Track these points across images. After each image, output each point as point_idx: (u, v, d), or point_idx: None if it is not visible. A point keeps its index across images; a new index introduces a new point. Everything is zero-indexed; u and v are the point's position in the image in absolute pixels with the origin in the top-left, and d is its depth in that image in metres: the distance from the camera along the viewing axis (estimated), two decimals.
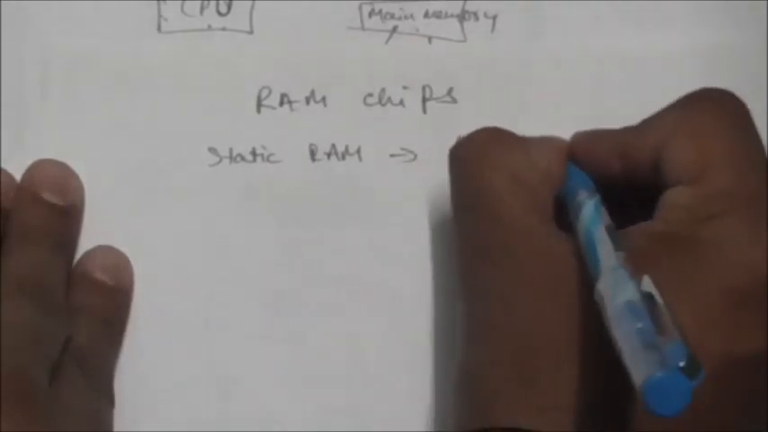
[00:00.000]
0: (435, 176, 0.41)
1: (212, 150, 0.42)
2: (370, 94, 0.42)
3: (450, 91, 0.43)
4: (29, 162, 0.40)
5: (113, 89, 0.42)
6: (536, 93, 0.43)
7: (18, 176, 0.40)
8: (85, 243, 0.40)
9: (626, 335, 0.29)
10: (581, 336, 0.32)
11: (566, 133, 0.42)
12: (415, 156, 0.42)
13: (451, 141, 0.42)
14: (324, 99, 0.42)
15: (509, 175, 0.36)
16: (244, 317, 0.41)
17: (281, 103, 0.42)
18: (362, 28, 0.43)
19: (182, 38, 0.42)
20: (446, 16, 0.43)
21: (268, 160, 0.42)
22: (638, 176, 0.36)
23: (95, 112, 0.42)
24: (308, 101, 0.42)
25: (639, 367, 0.28)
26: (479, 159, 0.37)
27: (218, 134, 0.42)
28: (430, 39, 0.43)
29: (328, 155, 0.42)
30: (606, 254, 0.32)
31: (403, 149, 0.42)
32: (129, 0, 0.42)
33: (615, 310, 0.30)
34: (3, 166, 0.40)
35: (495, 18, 0.43)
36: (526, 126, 0.42)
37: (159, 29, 0.43)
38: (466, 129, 0.42)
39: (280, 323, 0.41)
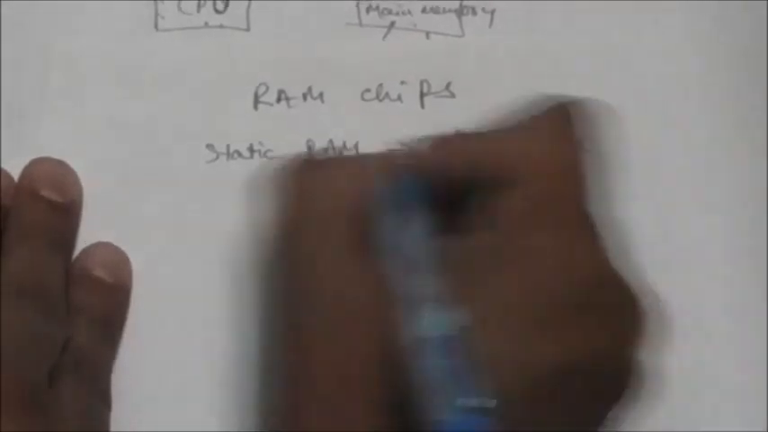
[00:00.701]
0: None
1: (210, 147, 0.42)
2: (368, 90, 0.42)
3: (448, 86, 0.42)
4: (28, 160, 0.40)
5: (111, 87, 0.42)
6: (534, 87, 0.42)
7: (17, 175, 0.40)
8: (84, 241, 0.40)
9: (425, 369, 0.27)
10: (392, 364, 0.31)
11: None
12: None
13: None
14: (321, 95, 0.42)
15: (314, 205, 0.34)
16: (243, 315, 0.40)
17: (279, 100, 0.42)
18: (360, 24, 0.43)
19: (179, 36, 0.43)
20: (444, 11, 0.43)
21: (265, 157, 0.42)
22: (475, 185, 0.34)
23: (93, 110, 0.42)
24: (305, 97, 0.42)
25: (434, 406, 0.27)
26: (289, 190, 0.35)
27: (216, 131, 0.42)
28: (428, 34, 0.43)
29: (326, 151, 0.42)
30: (418, 280, 0.31)
31: (401, 145, 0.42)
32: None
33: (416, 343, 0.28)
34: (3, 165, 0.40)
35: (492, 13, 0.43)
36: None
37: (156, 27, 0.43)
38: (464, 123, 0.41)
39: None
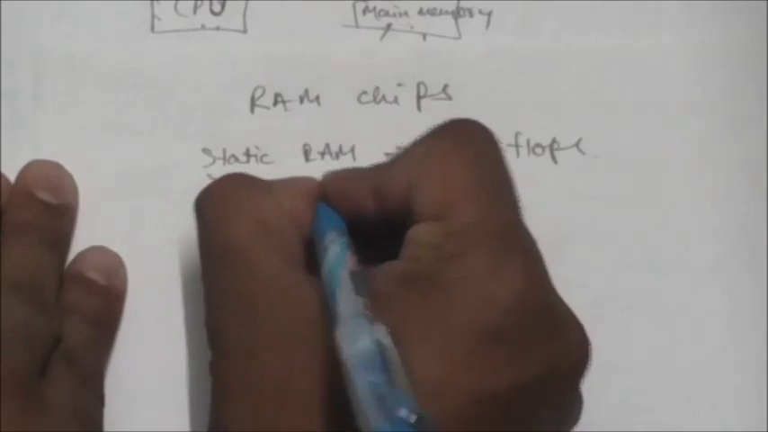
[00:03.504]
0: None
1: (206, 151, 0.42)
2: (365, 92, 0.42)
3: (444, 88, 0.42)
4: (24, 163, 0.40)
5: (107, 89, 0.42)
6: (531, 89, 0.42)
7: (13, 178, 0.40)
8: (79, 244, 0.40)
9: (358, 387, 0.28)
10: (328, 384, 0.31)
11: (564, 129, 0.42)
12: None
13: None
14: (317, 98, 0.42)
15: (253, 220, 0.34)
16: None
17: (275, 103, 0.42)
18: (356, 26, 0.43)
19: (175, 38, 0.43)
20: (440, 13, 0.43)
21: (262, 161, 0.42)
22: (393, 215, 0.35)
23: (89, 112, 0.42)
24: (301, 100, 0.42)
25: (368, 422, 0.27)
26: (222, 207, 0.35)
27: (212, 135, 0.42)
28: (424, 36, 0.43)
29: (322, 154, 0.42)
30: (346, 300, 0.31)
31: (398, 148, 0.41)
32: (123, 0, 0.42)
33: (349, 361, 0.28)
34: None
35: (489, 14, 0.43)
36: (521, 123, 0.42)
37: (152, 29, 0.43)
38: None
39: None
